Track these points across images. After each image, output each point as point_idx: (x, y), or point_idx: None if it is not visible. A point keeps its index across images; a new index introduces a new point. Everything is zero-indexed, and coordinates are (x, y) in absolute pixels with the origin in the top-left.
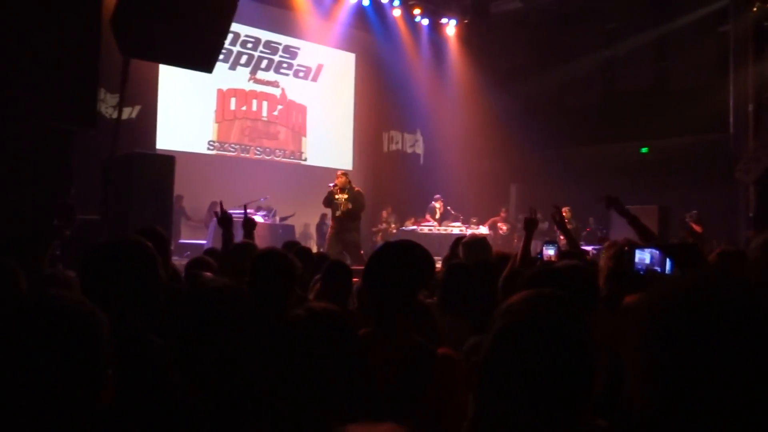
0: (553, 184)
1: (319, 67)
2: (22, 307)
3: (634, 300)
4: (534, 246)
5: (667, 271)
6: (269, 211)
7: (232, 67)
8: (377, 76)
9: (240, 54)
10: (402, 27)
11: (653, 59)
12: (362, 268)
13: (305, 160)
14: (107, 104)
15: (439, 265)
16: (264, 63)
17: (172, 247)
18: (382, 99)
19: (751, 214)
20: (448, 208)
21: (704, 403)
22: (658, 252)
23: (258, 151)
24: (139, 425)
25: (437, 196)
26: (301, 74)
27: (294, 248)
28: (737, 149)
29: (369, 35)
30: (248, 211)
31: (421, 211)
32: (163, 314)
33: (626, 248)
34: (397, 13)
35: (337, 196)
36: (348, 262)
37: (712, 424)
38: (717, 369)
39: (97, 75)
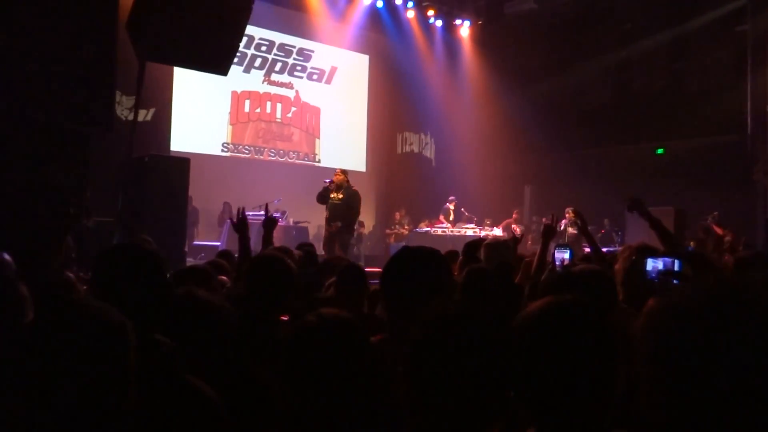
0: (567, 185)
1: (333, 70)
2: (53, 315)
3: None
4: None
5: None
6: (283, 213)
7: (247, 70)
8: (391, 77)
9: (254, 57)
10: (416, 28)
11: (669, 60)
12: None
13: (319, 161)
14: (123, 106)
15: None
16: (278, 66)
17: (186, 249)
18: (396, 100)
19: None
20: (462, 209)
21: (712, 413)
22: (670, 260)
23: (272, 153)
24: (161, 426)
25: (451, 197)
26: (315, 77)
27: (304, 249)
28: (754, 151)
29: (383, 37)
30: (260, 213)
31: (434, 213)
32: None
33: (634, 258)
34: (410, 14)
35: (332, 195)
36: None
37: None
38: (724, 379)
39: (113, 78)
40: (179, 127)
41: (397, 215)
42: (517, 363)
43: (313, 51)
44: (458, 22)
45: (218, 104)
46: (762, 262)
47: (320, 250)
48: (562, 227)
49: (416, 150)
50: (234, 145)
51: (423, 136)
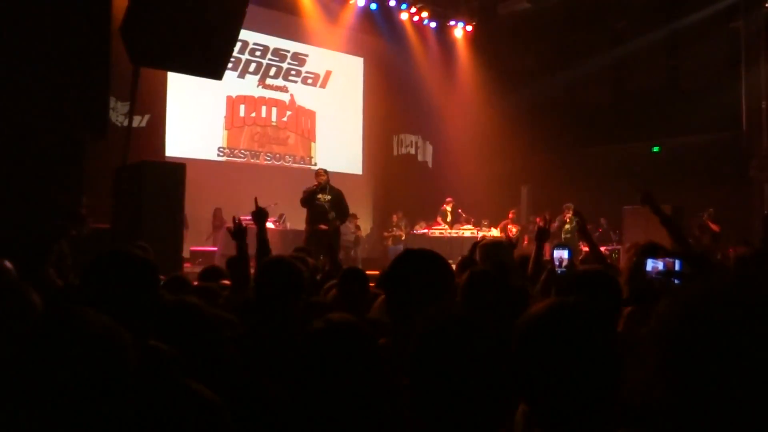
0: (564, 184)
1: (328, 74)
2: (48, 325)
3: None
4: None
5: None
6: (280, 217)
7: (241, 75)
8: (386, 79)
9: (249, 62)
10: (410, 30)
11: (664, 57)
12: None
13: (315, 165)
14: (118, 113)
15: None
16: (272, 70)
17: (185, 254)
18: (391, 102)
19: (766, 212)
20: (459, 210)
21: (723, 412)
22: (671, 260)
23: (268, 156)
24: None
25: (448, 198)
26: (309, 81)
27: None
28: (750, 147)
29: (377, 39)
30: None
31: (432, 215)
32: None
33: (635, 258)
34: (404, 16)
35: (319, 196)
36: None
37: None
38: (736, 379)
39: (108, 84)
40: (174, 133)
41: (395, 217)
42: (522, 365)
43: (307, 55)
44: (452, 23)
45: (213, 109)
46: (763, 260)
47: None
48: (556, 224)
49: (412, 152)
50: (230, 149)
51: (419, 138)
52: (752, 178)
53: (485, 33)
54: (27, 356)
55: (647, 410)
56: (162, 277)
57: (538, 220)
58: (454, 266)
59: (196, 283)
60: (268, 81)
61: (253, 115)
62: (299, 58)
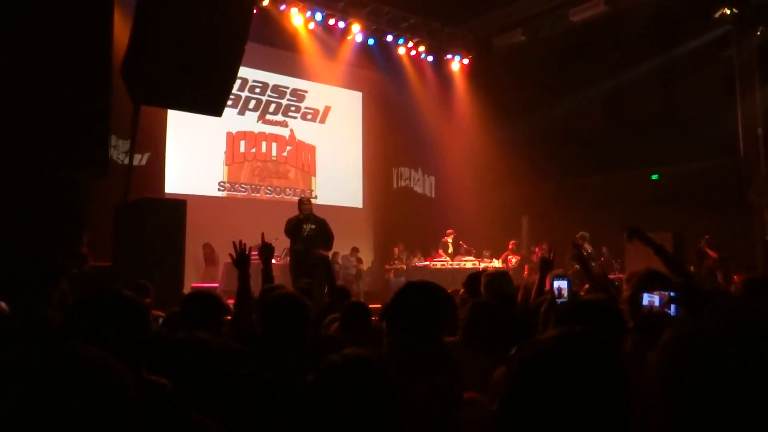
0: (564, 214)
1: (327, 109)
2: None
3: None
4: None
5: (672, 313)
6: (282, 252)
7: (241, 112)
8: (385, 113)
9: (248, 99)
10: (407, 64)
11: (660, 86)
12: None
13: (316, 197)
14: (119, 150)
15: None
16: (272, 107)
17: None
18: (390, 136)
19: (767, 238)
20: (460, 242)
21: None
22: (666, 293)
23: (268, 190)
24: None
25: (449, 230)
26: (309, 117)
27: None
28: (748, 173)
29: (375, 74)
30: (254, 254)
31: (433, 247)
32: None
33: (631, 294)
34: (401, 51)
35: (304, 225)
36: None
37: None
38: (742, 410)
39: (108, 122)
40: (174, 170)
41: (396, 250)
42: (528, 396)
43: (306, 91)
44: (449, 56)
45: (213, 146)
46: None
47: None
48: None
49: (412, 184)
50: (230, 183)
51: (419, 170)
52: (751, 204)
53: (482, 65)
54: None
55: None
56: (161, 313)
57: (536, 250)
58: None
59: None
60: (268, 117)
61: (254, 150)
62: (298, 94)
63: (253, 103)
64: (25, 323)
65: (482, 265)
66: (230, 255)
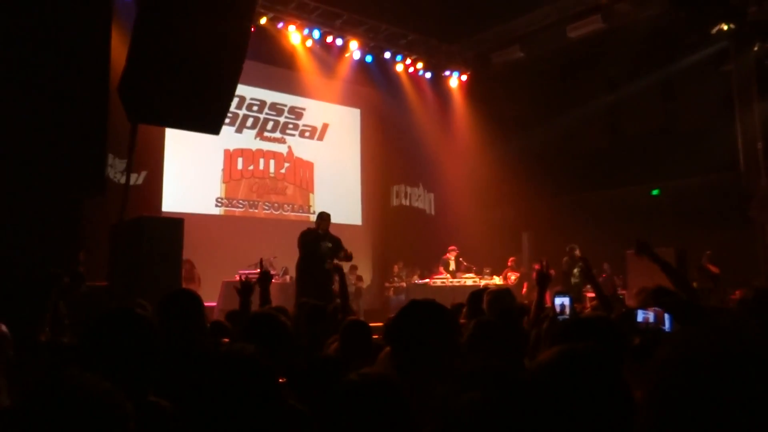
0: (564, 230)
1: (325, 126)
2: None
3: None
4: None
5: (666, 329)
6: (282, 269)
7: (239, 130)
8: (383, 130)
9: (246, 117)
10: (405, 81)
11: (659, 101)
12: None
13: (314, 213)
14: (116, 169)
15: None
16: (270, 124)
17: None
18: (389, 153)
19: None
20: (461, 259)
21: None
22: (662, 311)
23: (266, 206)
24: None
25: (451, 247)
26: (307, 134)
27: (306, 306)
28: (749, 187)
29: (373, 91)
30: (255, 272)
31: (434, 264)
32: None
33: (624, 310)
34: (399, 68)
35: (322, 242)
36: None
37: None
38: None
39: (105, 142)
40: (172, 188)
41: (396, 268)
42: (531, 414)
43: (304, 109)
44: (447, 73)
45: (211, 163)
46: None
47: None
48: (565, 267)
49: (411, 201)
50: (228, 199)
51: (419, 186)
52: (752, 219)
53: (480, 82)
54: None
55: None
56: None
57: (536, 267)
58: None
59: None
60: (266, 134)
61: (251, 167)
62: (296, 112)
63: (251, 120)
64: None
65: (483, 283)
66: (234, 287)
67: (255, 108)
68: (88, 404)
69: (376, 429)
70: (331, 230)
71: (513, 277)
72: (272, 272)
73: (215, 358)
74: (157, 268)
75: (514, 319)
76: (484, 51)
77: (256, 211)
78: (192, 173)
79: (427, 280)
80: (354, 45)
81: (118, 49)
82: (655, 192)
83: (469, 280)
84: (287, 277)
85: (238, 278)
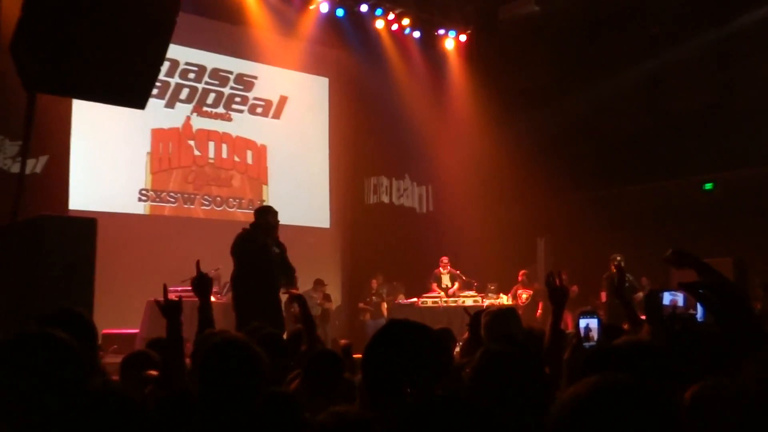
0: (590, 235)
1: (282, 100)
2: None
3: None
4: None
5: (699, 317)
6: (223, 287)
7: (170, 104)
8: (358, 106)
9: (179, 87)
10: (387, 42)
11: (713, 71)
12: None
13: None
14: (5, 154)
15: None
16: (211, 97)
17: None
18: (366, 135)
19: None
20: (458, 272)
21: None
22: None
23: (206, 201)
24: None
25: (443, 258)
26: (259, 110)
27: (259, 334)
28: None
29: (345, 54)
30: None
31: (422, 279)
32: None
33: (648, 292)
34: (379, 24)
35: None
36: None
37: None
38: None
39: None
40: (81, 179)
41: (374, 283)
42: None
43: (256, 77)
44: (441, 32)
45: (133, 147)
46: None
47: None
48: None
49: (395, 199)
50: (155, 192)
51: (403, 180)
52: None
53: (484, 44)
54: None
55: None
56: None
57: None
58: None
59: (115, 377)
60: (206, 109)
61: (186, 152)
62: (245, 81)
63: (185, 92)
64: None
65: (486, 302)
66: (156, 302)
67: (192, 75)
68: None
69: None
70: (290, 235)
71: (524, 295)
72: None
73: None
74: (61, 283)
75: (533, 349)
76: (489, 3)
77: (193, 207)
78: (108, 159)
79: (415, 300)
80: None
81: None
82: (707, 186)
83: (470, 299)
84: (231, 295)
85: (162, 292)
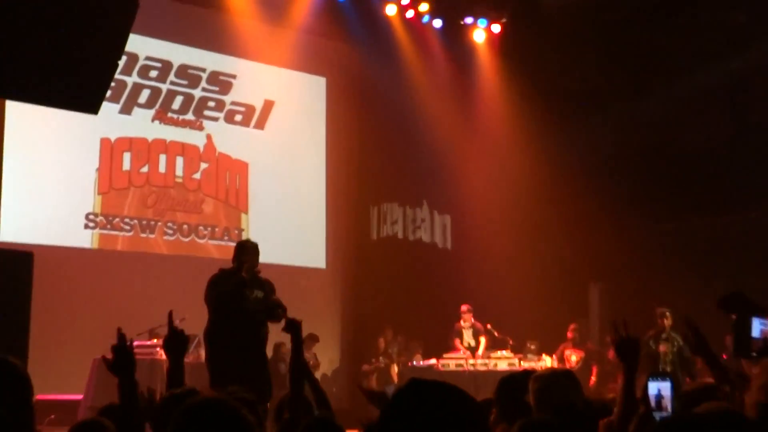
0: (658, 278)
1: (268, 105)
2: None
3: None
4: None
5: None
6: (192, 338)
7: (126, 110)
8: (362, 113)
9: (138, 87)
10: (400, 33)
11: None
12: None
13: None
14: None
15: None
16: (177, 101)
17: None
18: (373, 151)
19: None
20: (488, 326)
21: None
22: None
23: (169, 230)
24: None
25: (464, 307)
26: (238, 117)
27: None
28: None
29: (347, 48)
30: (148, 344)
31: (444, 335)
32: None
33: (736, 319)
34: (391, 10)
35: (248, 289)
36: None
37: None
38: None
39: None
40: (12, 202)
41: (381, 341)
42: None
43: (234, 76)
44: (468, 21)
45: (78, 161)
46: None
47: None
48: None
49: (409, 232)
50: (106, 218)
51: (420, 209)
52: None
53: (522, 36)
54: None
55: None
56: None
57: (612, 337)
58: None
59: None
60: (171, 115)
61: (146, 169)
62: (222, 81)
63: (146, 93)
64: None
65: (525, 366)
66: (103, 358)
67: (153, 73)
68: None
69: None
70: (276, 276)
71: (574, 357)
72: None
73: None
74: None
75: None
76: None
77: (153, 237)
78: (47, 177)
79: (434, 362)
80: None
81: None
82: None
83: (503, 361)
84: (201, 353)
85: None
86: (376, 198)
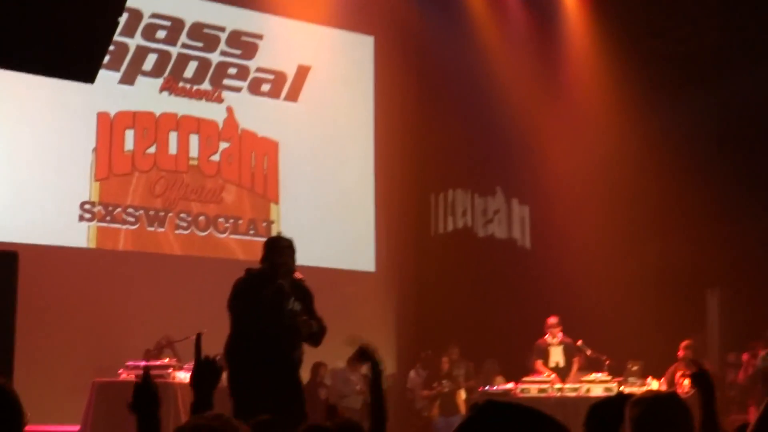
0: None
1: (303, 72)
2: None
3: None
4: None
5: None
6: (214, 360)
7: (128, 79)
8: (419, 81)
9: (143, 51)
10: None
11: None
12: None
13: None
14: None
15: None
16: (191, 67)
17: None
18: (431, 127)
19: None
20: (579, 343)
21: None
22: None
23: (182, 222)
24: None
25: (551, 319)
26: (265, 87)
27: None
28: None
29: (401, 3)
30: (160, 363)
31: (523, 354)
32: None
33: None
34: None
35: (286, 300)
36: None
37: None
38: None
39: None
40: None
41: (445, 361)
42: None
43: (261, 36)
44: None
45: (72, 141)
46: None
47: None
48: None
49: (479, 226)
50: (105, 207)
51: (493, 197)
52: None
53: None
54: None
55: None
56: None
57: (745, 358)
58: None
59: None
60: (183, 85)
61: (153, 150)
62: (245, 43)
63: (152, 59)
64: None
65: (625, 390)
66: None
67: (161, 34)
68: None
69: None
70: (315, 281)
71: (688, 381)
72: (187, 366)
73: None
74: None
75: None
76: None
77: (162, 230)
78: (33, 161)
79: (511, 386)
80: None
81: None
82: None
83: (598, 386)
84: (222, 375)
85: (125, 376)
86: (438, 185)
